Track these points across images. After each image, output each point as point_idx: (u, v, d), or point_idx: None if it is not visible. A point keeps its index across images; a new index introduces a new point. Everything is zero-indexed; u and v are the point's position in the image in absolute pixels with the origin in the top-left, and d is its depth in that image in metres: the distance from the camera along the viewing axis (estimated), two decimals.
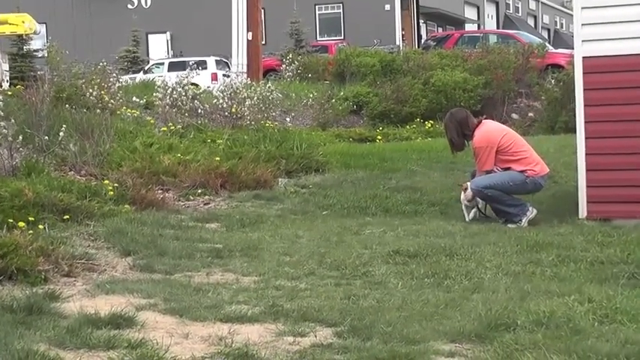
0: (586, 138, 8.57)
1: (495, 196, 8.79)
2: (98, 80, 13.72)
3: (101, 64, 14.66)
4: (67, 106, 11.80)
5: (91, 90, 13.05)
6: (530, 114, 21.49)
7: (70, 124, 10.40)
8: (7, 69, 16.36)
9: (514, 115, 22.01)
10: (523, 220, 8.59)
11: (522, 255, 6.69)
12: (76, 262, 6.24)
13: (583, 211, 8.59)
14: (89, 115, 11.20)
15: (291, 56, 27.24)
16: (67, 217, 7.65)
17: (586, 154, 8.58)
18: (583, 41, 8.60)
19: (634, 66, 8.37)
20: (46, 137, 9.97)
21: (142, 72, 29.44)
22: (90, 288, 5.73)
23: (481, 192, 8.81)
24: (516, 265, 6.33)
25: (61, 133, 9.88)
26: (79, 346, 4.43)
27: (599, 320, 4.79)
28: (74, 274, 6.09)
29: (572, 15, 8.90)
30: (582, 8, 8.57)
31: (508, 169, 8.86)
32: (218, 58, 30.19)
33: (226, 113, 14.27)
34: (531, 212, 8.70)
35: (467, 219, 8.96)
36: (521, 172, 8.81)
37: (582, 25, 8.59)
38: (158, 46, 41.70)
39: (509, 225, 8.50)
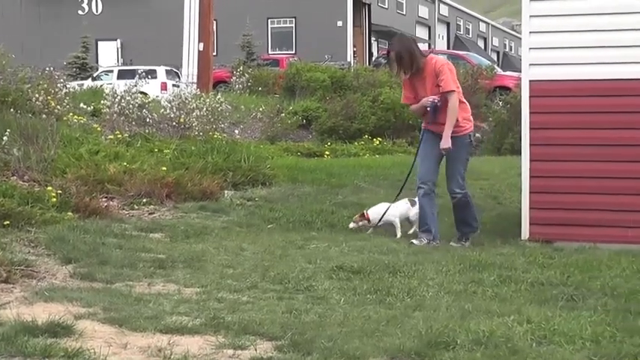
0: (531, 160, 8.68)
1: (471, 203, 8.81)
2: (45, 85, 13.56)
3: (47, 68, 14.44)
4: (11, 110, 11.64)
5: (37, 95, 12.90)
6: (477, 135, 21.72)
7: (14, 128, 10.25)
8: None
9: None
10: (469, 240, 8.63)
11: (464, 274, 6.73)
12: (15, 269, 6.13)
13: (526, 232, 8.69)
14: (34, 121, 11.05)
15: (241, 68, 27.24)
16: (7, 222, 7.53)
17: (530, 177, 8.69)
18: (530, 65, 8.73)
19: (579, 91, 8.51)
20: None
21: (90, 79, 29.19)
22: (28, 295, 5.64)
23: (465, 195, 8.66)
24: (458, 284, 6.36)
25: (5, 138, 9.75)
26: (13, 354, 4.35)
27: (537, 341, 4.83)
28: (12, 280, 5.99)
29: (521, 39, 9.02)
30: (530, 33, 8.69)
31: None
32: (168, 68, 30.09)
33: (174, 123, 14.18)
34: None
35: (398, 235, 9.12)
36: (463, 132, 8.54)
37: (530, 49, 8.72)
38: (108, 53, 41.43)
39: (453, 243, 8.53)
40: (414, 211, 9.13)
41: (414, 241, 8.51)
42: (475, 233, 8.75)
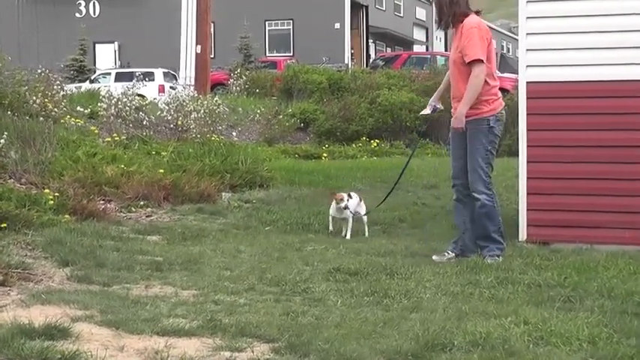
0: (528, 162, 8.67)
1: (492, 213, 7.50)
2: (42, 88, 13.54)
3: (39, 70, 14.37)
4: (8, 113, 11.63)
5: (34, 97, 12.89)
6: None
7: (11, 131, 10.24)
8: None
9: None
10: (501, 257, 7.45)
11: (462, 276, 6.73)
12: (12, 272, 6.13)
13: (523, 234, 8.68)
14: (32, 123, 11.04)
15: (239, 71, 27.25)
16: (5, 225, 7.52)
17: (527, 178, 8.68)
18: (527, 66, 8.73)
19: (576, 92, 8.51)
20: None
21: (88, 81, 29.18)
22: (25, 298, 5.63)
23: (490, 198, 7.47)
24: (455, 286, 6.36)
25: (2, 140, 9.74)
26: (10, 356, 4.34)
27: (534, 342, 4.83)
28: (9, 283, 5.98)
29: (518, 40, 9.02)
30: (527, 34, 8.70)
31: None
32: (166, 70, 30.08)
33: (172, 125, 14.19)
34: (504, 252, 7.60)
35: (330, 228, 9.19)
36: (478, 115, 7.43)
37: (527, 50, 8.72)
38: (105, 55, 41.41)
39: (489, 260, 7.30)
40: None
41: (435, 257, 7.61)
42: (498, 252, 7.49)
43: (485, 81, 7.40)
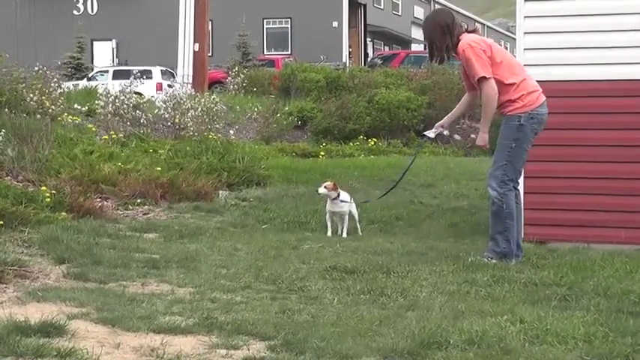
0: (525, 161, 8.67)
1: (500, 213, 7.31)
2: (39, 85, 13.54)
3: (37, 67, 14.35)
4: (6, 110, 11.63)
5: (31, 95, 12.89)
6: (472, 135, 21.75)
7: (8, 128, 10.25)
8: None
9: (456, 136, 22.25)
10: (494, 260, 7.24)
11: (458, 274, 6.73)
12: (8, 269, 6.12)
13: (520, 232, 8.67)
14: (29, 121, 11.04)
15: (237, 69, 27.25)
16: (1, 222, 7.51)
17: (525, 177, 8.68)
18: (525, 65, 8.71)
19: (573, 92, 8.52)
20: None
21: (85, 79, 29.18)
22: (21, 295, 5.63)
23: (500, 197, 7.28)
24: (452, 285, 6.36)
25: None
26: (6, 354, 4.33)
27: (529, 341, 4.83)
28: (5, 280, 5.98)
29: (516, 39, 9.03)
30: (525, 33, 8.71)
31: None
32: (164, 68, 30.07)
33: (169, 123, 14.20)
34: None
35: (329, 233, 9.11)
36: (509, 112, 7.24)
37: (524, 49, 8.73)
38: (103, 53, 41.40)
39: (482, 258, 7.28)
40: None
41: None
42: (493, 259, 7.24)
43: (504, 83, 7.15)
